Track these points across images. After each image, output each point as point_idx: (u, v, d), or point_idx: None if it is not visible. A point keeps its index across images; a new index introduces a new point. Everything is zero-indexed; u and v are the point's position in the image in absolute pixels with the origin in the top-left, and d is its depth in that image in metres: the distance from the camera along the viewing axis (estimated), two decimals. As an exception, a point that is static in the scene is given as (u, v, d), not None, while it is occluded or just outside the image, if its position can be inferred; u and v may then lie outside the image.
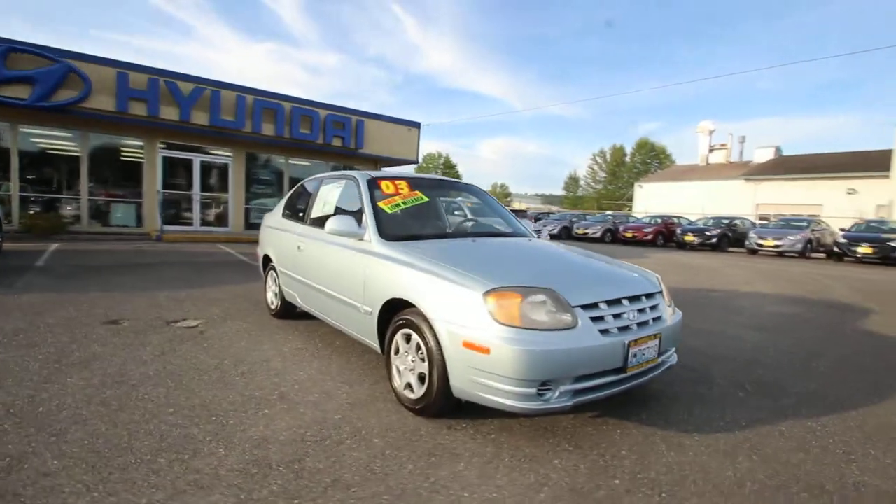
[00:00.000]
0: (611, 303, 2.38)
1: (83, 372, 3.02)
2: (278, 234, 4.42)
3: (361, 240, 3.08)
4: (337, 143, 15.51)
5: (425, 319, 2.41)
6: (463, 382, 2.24)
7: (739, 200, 28.03)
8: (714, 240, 17.37)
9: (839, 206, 23.08)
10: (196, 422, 2.41)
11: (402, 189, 3.47)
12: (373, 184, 3.42)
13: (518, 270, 2.56)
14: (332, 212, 3.72)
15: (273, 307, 4.57)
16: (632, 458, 2.20)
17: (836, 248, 14.14)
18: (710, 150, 35.58)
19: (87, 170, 12.54)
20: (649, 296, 2.62)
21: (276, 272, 4.45)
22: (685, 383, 3.20)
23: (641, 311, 2.50)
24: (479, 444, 2.27)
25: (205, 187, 14.52)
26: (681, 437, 2.42)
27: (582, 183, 70.57)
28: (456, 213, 4.29)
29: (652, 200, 33.58)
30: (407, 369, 2.60)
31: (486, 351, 2.12)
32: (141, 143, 13.18)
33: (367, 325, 2.93)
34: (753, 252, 16.00)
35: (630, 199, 40.30)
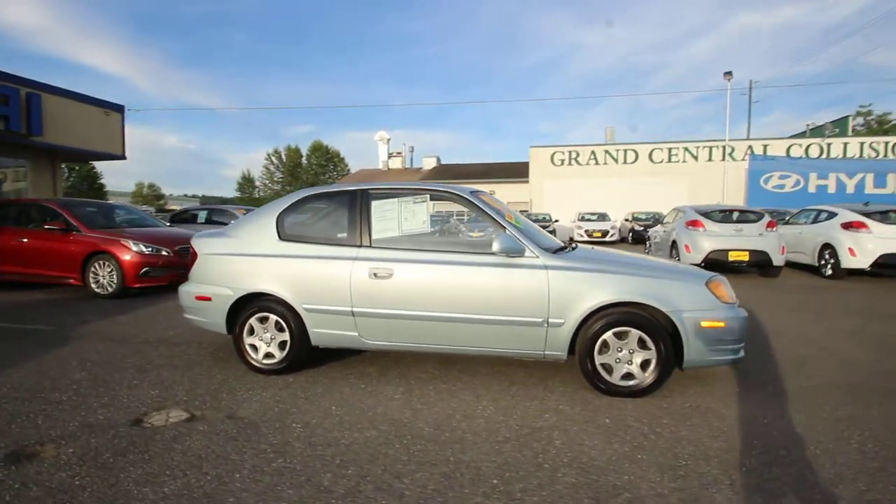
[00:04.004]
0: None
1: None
2: (296, 263, 3.40)
3: (521, 256, 3.10)
4: (-6, 124, 10.30)
5: (656, 314, 2.93)
6: (699, 354, 2.93)
7: (421, 200, 34.03)
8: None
9: (487, 203, 31.59)
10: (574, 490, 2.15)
11: (496, 204, 3.55)
12: (482, 199, 3.37)
13: (676, 267, 3.36)
14: (421, 230, 3.36)
15: (272, 361, 3.48)
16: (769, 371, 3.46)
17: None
18: (389, 157, 41.35)
19: None
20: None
21: (282, 314, 3.41)
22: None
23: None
24: (699, 398, 3.02)
25: None
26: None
27: (258, 183, 68.21)
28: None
29: (348, 201, 36.34)
30: (622, 363, 3.00)
31: (723, 324, 2.90)
32: None
33: (549, 336, 3.05)
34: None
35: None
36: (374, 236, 3.38)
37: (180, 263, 7.08)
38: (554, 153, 22.89)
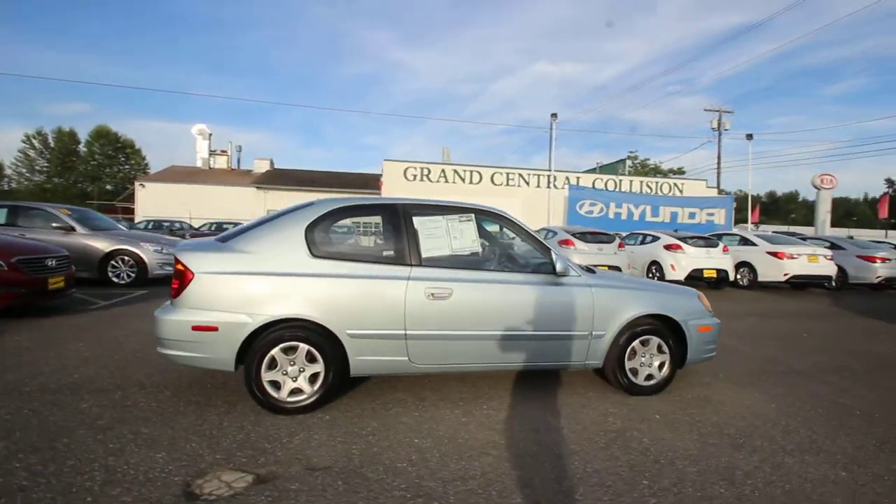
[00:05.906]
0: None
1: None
2: (337, 284, 3.00)
3: (567, 276, 3.38)
4: None
5: (671, 323, 3.54)
6: (696, 354, 3.64)
7: (254, 206, 31.09)
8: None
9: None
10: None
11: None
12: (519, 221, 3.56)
13: (672, 285, 4.05)
14: (471, 249, 3.35)
15: (300, 398, 3.01)
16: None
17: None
18: (212, 154, 36.64)
19: None
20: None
21: (316, 342, 3.00)
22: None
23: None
24: (693, 389, 3.74)
25: None
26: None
27: (10, 172, 52.93)
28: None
29: (157, 202, 31.06)
30: (645, 365, 3.54)
31: (710, 329, 3.69)
32: None
33: (591, 347, 3.40)
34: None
35: (128, 199, 34.78)
36: (423, 255, 3.23)
37: (20, 281, 5.26)
38: (407, 168, 23.61)
